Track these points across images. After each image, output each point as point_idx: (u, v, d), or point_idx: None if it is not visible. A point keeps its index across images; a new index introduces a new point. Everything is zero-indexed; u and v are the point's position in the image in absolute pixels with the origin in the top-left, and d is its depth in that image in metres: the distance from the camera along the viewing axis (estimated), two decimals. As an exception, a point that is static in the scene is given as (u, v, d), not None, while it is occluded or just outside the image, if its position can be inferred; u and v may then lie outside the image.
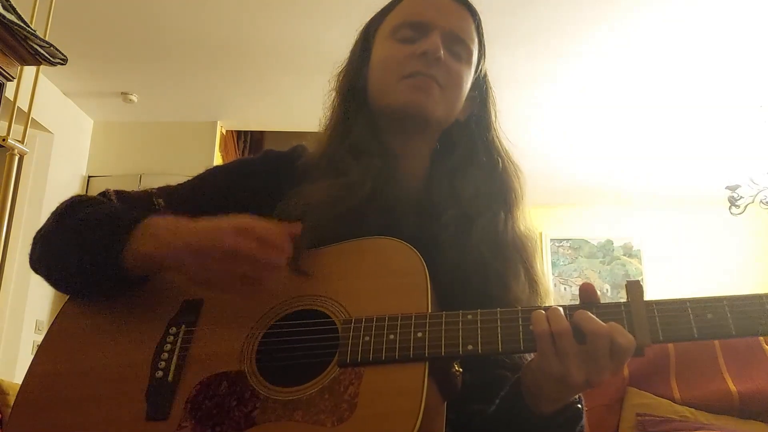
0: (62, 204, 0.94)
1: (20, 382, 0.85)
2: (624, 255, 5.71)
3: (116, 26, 3.43)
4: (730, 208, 4.30)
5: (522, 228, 0.96)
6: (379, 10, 1.05)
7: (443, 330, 0.74)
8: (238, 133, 4.96)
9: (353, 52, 1.05)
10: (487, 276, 0.90)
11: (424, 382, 0.70)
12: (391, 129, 0.98)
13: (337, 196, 0.90)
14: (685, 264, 5.44)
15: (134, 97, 4.16)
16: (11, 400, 1.91)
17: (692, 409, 1.70)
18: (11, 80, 1.79)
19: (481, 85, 1.04)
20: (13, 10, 1.68)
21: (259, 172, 0.99)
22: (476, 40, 1.01)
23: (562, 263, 5.73)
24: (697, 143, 4.54)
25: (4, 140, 1.91)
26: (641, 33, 3.35)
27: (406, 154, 0.99)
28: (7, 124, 1.98)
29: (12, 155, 1.95)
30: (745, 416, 1.68)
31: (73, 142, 4.29)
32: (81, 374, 0.84)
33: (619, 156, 4.81)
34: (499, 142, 1.02)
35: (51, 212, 0.94)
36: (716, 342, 1.76)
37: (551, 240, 5.76)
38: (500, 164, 1.00)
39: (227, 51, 3.64)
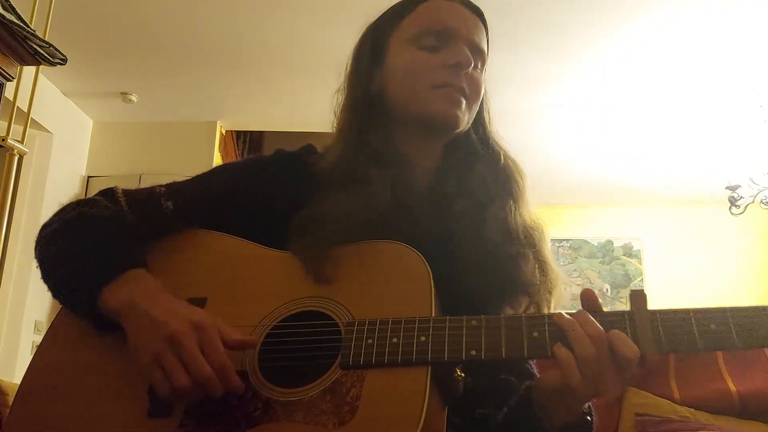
0: (68, 212, 0.93)
1: (20, 383, 0.85)
2: (624, 255, 5.71)
3: (116, 26, 3.43)
4: (730, 208, 4.29)
5: (528, 218, 0.97)
6: (387, 13, 1.03)
7: (447, 335, 0.73)
8: (238, 133, 4.96)
9: (361, 54, 1.02)
10: (501, 260, 0.90)
11: (426, 386, 0.69)
12: (410, 135, 0.98)
13: (359, 207, 0.88)
14: (685, 264, 5.43)
15: (134, 97, 4.16)
16: (11, 400, 1.91)
17: (692, 409, 1.69)
18: (11, 80, 1.79)
19: None
20: (13, 10, 1.68)
21: (270, 169, 0.98)
22: (487, 49, 1.02)
23: (562, 263, 5.72)
24: (698, 143, 4.53)
25: (3, 140, 1.91)
26: (641, 33, 3.35)
27: (419, 159, 0.99)
28: (6, 124, 1.98)
29: (12, 155, 1.95)
30: (744, 416, 1.68)
31: (72, 142, 4.29)
32: (85, 365, 0.84)
33: (618, 156, 4.81)
34: (495, 140, 1.03)
35: (56, 212, 0.94)
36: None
37: (551, 240, 5.73)
38: (501, 158, 1.01)
39: (227, 51, 3.64)
